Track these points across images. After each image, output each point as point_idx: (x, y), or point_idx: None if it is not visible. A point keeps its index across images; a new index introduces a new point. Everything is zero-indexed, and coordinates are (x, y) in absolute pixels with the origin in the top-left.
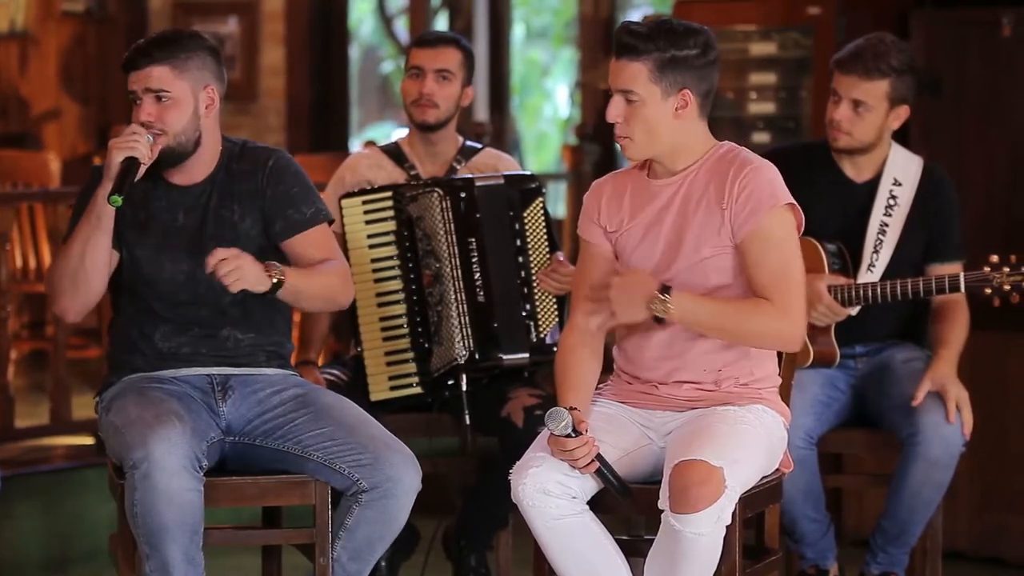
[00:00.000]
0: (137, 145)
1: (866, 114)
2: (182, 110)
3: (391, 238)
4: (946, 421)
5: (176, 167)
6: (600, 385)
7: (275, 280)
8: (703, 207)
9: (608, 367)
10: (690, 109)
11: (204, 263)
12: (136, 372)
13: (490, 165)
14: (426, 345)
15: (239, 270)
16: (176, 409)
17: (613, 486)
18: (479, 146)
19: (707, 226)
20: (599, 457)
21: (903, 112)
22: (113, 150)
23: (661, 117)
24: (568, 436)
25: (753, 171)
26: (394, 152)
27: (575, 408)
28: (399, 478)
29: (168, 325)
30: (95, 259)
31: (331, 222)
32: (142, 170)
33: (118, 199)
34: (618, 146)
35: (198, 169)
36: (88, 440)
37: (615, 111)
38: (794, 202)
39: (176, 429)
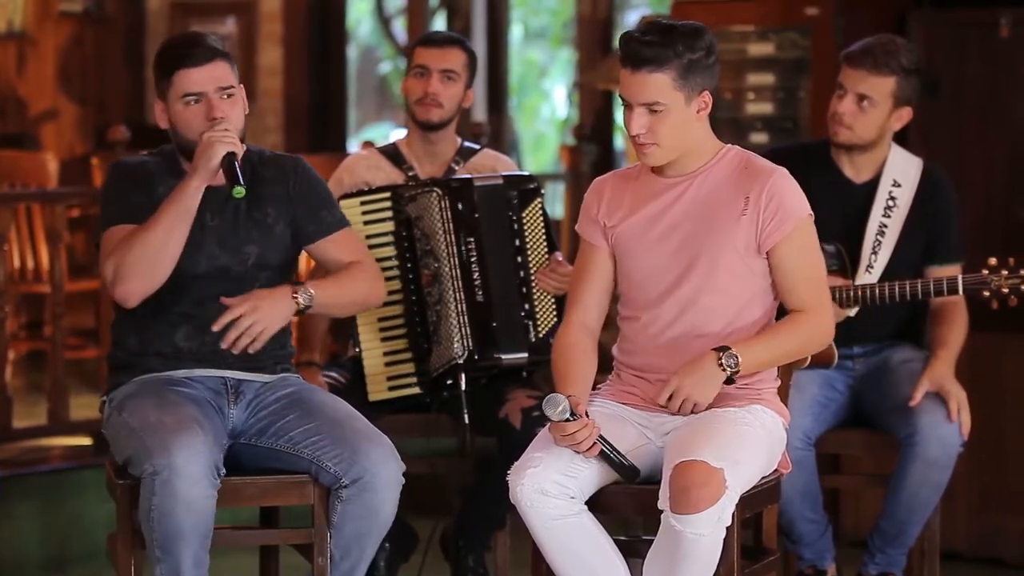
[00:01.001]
0: (234, 139)
1: (870, 109)
2: (241, 108)
3: (390, 238)
4: (945, 421)
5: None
6: (598, 385)
7: (302, 305)
8: (719, 214)
9: (604, 367)
10: (708, 108)
11: (242, 260)
12: (150, 372)
13: (488, 166)
14: (425, 345)
15: (258, 319)
16: (197, 415)
17: (619, 466)
18: (477, 147)
19: (722, 233)
20: (601, 439)
21: (905, 114)
22: (216, 144)
23: (686, 121)
24: (567, 420)
25: (777, 179)
26: (392, 153)
27: (571, 395)
28: (376, 471)
29: (191, 325)
30: (178, 247)
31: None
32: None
33: (242, 190)
34: (620, 145)
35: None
36: (86, 440)
37: (638, 123)
38: (811, 211)
39: (199, 437)
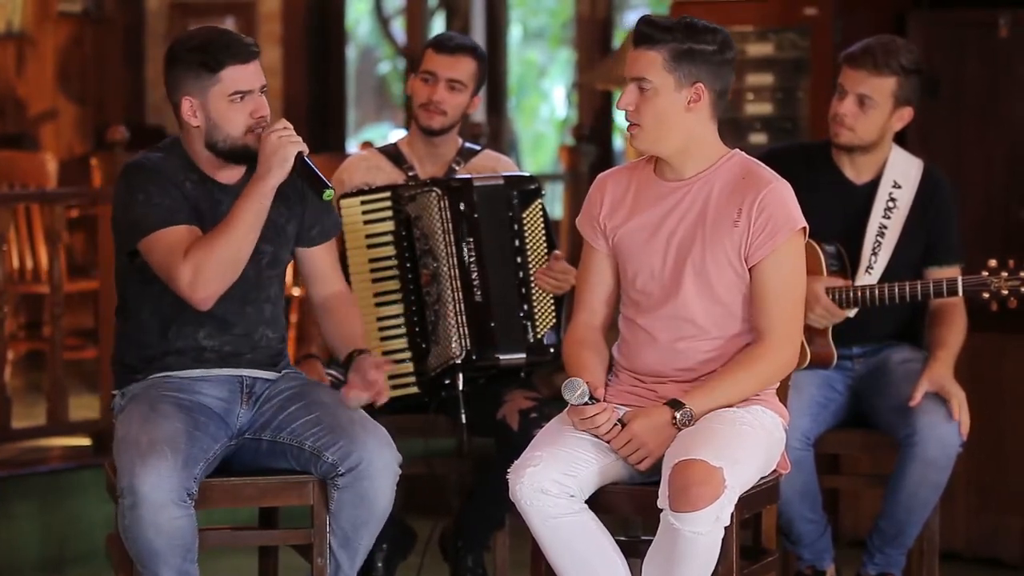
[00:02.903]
0: (299, 137)
1: (870, 110)
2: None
3: (389, 238)
4: (944, 421)
5: (235, 163)
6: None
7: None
8: (714, 223)
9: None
10: (702, 104)
11: (256, 260)
12: (165, 371)
13: (488, 167)
14: (423, 345)
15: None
16: (175, 434)
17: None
18: (478, 148)
19: (717, 241)
20: (620, 422)
21: (906, 114)
22: (288, 145)
23: (673, 108)
24: (586, 404)
25: (771, 192)
26: (392, 153)
27: (589, 381)
28: (371, 458)
29: (214, 323)
30: (252, 247)
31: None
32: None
33: (331, 192)
34: (620, 145)
35: (238, 167)
36: (85, 441)
37: (627, 99)
38: (806, 224)
39: (166, 461)
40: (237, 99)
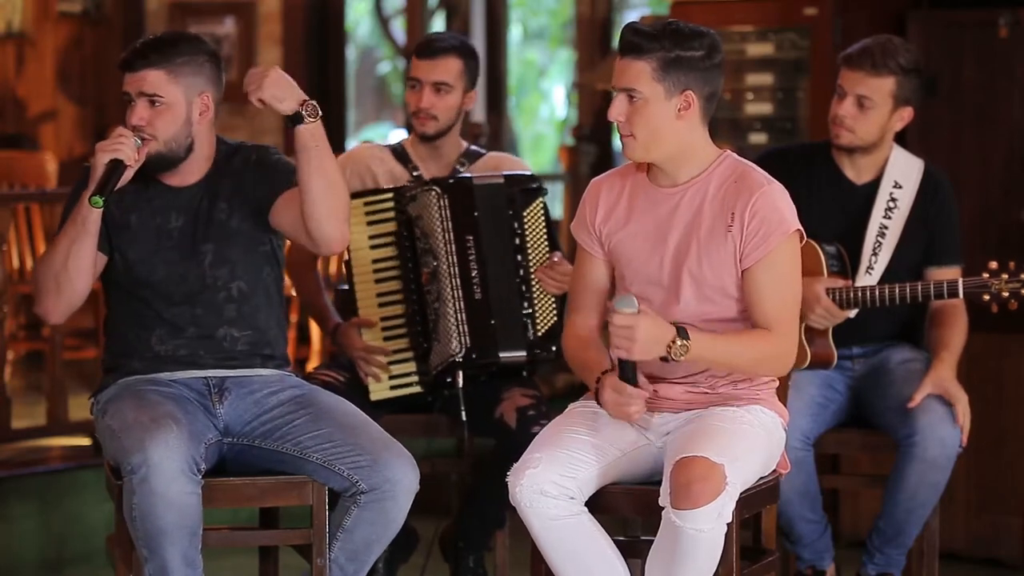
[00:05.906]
0: (122, 148)
1: (870, 111)
2: (174, 116)
3: (392, 239)
4: (943, 422)
5: (167, 171)
6: None
7: (309, 109)
8: (709, 227)
9: None
10: (693, 111)
11: (198, 261)
12: (133, 375)
13: (493, 166)
14: (424, 344)
15: (272, 76)
16: (173, 412)
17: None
18: (483, 152)
19: (713, 247)
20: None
21: (906, 114)
22: (99, 152)
23: (663, 117)
24: (628, 380)
25: (763, 196)
26: (398, 151)
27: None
28: (398, 480)
29: (165, 327)
30: (79, 262)
31: None
32: (129, 173)
33: (99, 200)
34: (619, 145)
35: (191, 172)
36: (85, 441)
37: (617, 110)
38: (800, 227)
39: (173, 432)
40: (130, 102)
